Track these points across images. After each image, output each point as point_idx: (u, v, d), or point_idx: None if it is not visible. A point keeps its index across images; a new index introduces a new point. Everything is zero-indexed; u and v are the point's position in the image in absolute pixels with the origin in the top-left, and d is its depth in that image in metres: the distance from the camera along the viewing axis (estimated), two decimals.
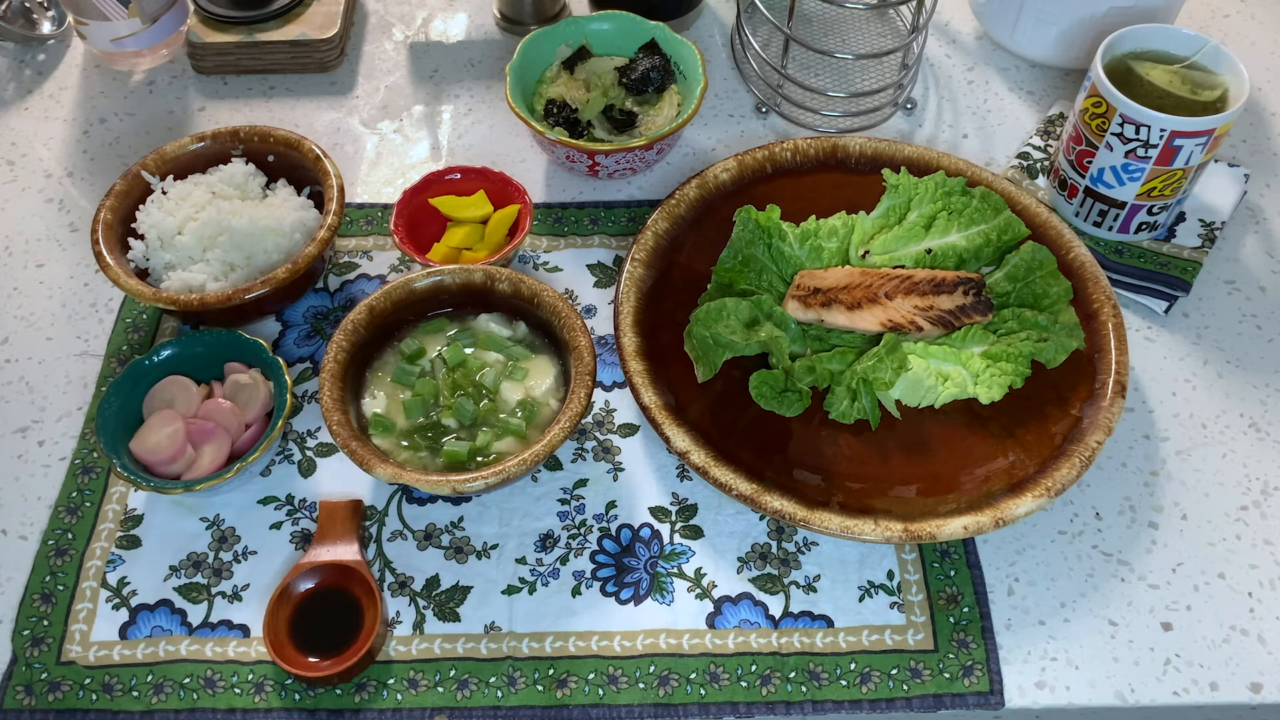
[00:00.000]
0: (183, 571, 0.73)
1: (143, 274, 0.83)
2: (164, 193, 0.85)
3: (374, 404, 0.74)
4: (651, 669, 0.69)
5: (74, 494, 0.76)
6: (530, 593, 0.72)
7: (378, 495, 0.76)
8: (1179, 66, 0.85)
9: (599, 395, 0.82)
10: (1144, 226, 0.88)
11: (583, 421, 0.79)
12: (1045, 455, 0.74)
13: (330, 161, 0.85)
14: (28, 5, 1.08)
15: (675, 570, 0.73)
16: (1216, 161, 0.94)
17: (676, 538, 0.75)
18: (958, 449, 0.76)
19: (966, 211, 0.83)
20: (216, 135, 0.88)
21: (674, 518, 0.76)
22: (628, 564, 0.74)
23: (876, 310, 0.78)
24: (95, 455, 0.78)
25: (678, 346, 0.80)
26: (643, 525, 0.75)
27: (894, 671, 0.69)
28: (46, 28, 1.08)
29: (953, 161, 0.89)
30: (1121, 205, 0.86)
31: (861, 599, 0.72)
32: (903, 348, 0.77)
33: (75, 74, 1.05)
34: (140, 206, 0.84)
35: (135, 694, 0.68)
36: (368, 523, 0.75)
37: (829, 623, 0.71)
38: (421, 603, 0.72)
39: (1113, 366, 0.77)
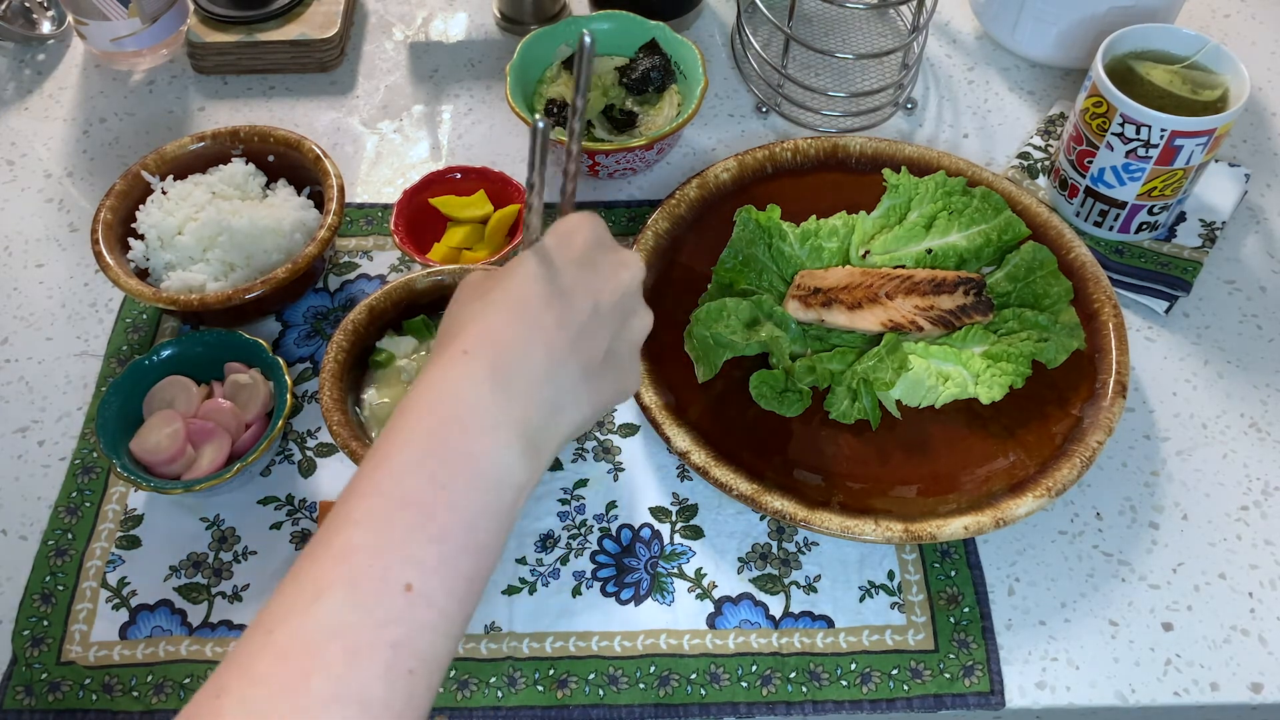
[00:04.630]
0: (183, 571, 0.73)
1: (143, 274, 0.83)
2: (164, 193, 0.85)
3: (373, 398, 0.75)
4: (652, 669, 0.69)
5: (74, 494, 0.76)
6: (530, 593, 0.72)
7: None
8: (1180, 66, 0.85)
9: None
10: (1144, 226, 0.88)
11: None
12: (1046, 455, 0.74)
13: (330, 161, 0.85)
14: (27, 5, 1.08)
15: (675, 570, 0.73)
16: (1217, 161, 0.94)
17: (677, 538, 0.75)
18: (958, 449, 0.76)
19: (967, 211, 0.83)
20: (216, 135, 0.88)
21: (674, 518, 0.76)
22: (628, 564, 0.73)
23: (877, 310, 0.78)
24: (95, 455, 0.78)
25: (678, 346, 0.80)
26: (643, 525, 0.75)
27: (894, 672, 0.69)
28: (46, 27, 1.08)
29: (953, 161, 0.88)
30: (1122, 205, 0.86)
31: (862, 599, 0.72)
32: (903, 348, 0.77)
33: (75, 74, 1.05)
34: (140, 206, 0.84)
35: (135, 694, 0.68)
36: None
37: (829, 623, 0.71)
38: None
39: (1113, 366, 0.77)
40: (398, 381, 0.75)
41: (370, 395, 0.75)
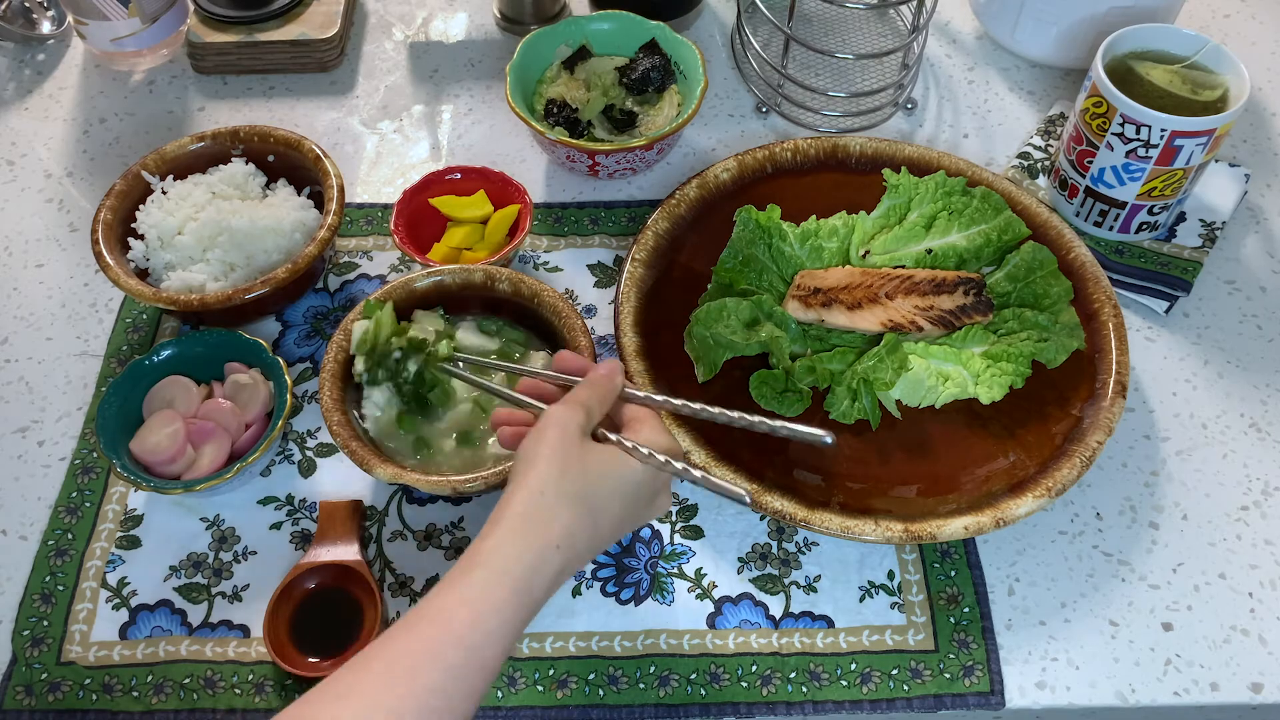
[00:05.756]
0: (183, 572, 0.73)
1: (143, 274, 0.83)
2: (164, 193, 0.85)
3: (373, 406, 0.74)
4: (652, 669, 0.69)
5: (74, 494, 0.76)
6: None
7: (378, 495, 0.76)
8: (1179, 66, 0.85)
9: None
10: (1144, 226, 0.88)
11: None
12: (1046, 455, 0.74)
13: (330, 161, 0.85)
14: (27, 5, 1.08)
15: (675, 570, 0.73)
16: (1217, 161, 0.94)
17: (677, 538, 0.75)
18: (958, 449, 0.76)
19: (967, 211, 0.83)
20: (216, 135, 0.88)
21: (674, 518, 0.76)
22: (628, 564, 0.73)
23: (877, 310, 0.78)
24: (95, 455, 0.78)
25: (678, 346, 0.80)
26: (643, 525, 0.75)
27: (894, 672, 0.69)
28: (46, 28, 1.08)
29: (953, 161, 0.88)
30: (1122, 205, 0.86)
31: (862, 599, 0.72)
32: (903, 348, 0.77)
33: (75, 74, 1.05)
34: (140, 206, 0.84)
35: (135, 694, 0.68)
36: (368, 523, 0.75)
37: (829, 623, 0.71)
38: None
39: (1113, 366, 0.77)
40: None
41: (369, 408, 0.75)
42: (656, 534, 0.75)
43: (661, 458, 0.59)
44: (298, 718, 0.48)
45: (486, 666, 0.51)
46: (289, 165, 0.88)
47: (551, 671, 0.69)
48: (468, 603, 0.52)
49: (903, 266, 0.82)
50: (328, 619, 0.69)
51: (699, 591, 0.72)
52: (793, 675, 0.69)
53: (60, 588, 0.72)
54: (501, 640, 0.52)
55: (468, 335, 0.78)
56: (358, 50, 1.07)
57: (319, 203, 0.87)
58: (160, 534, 0.75)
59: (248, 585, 0.72)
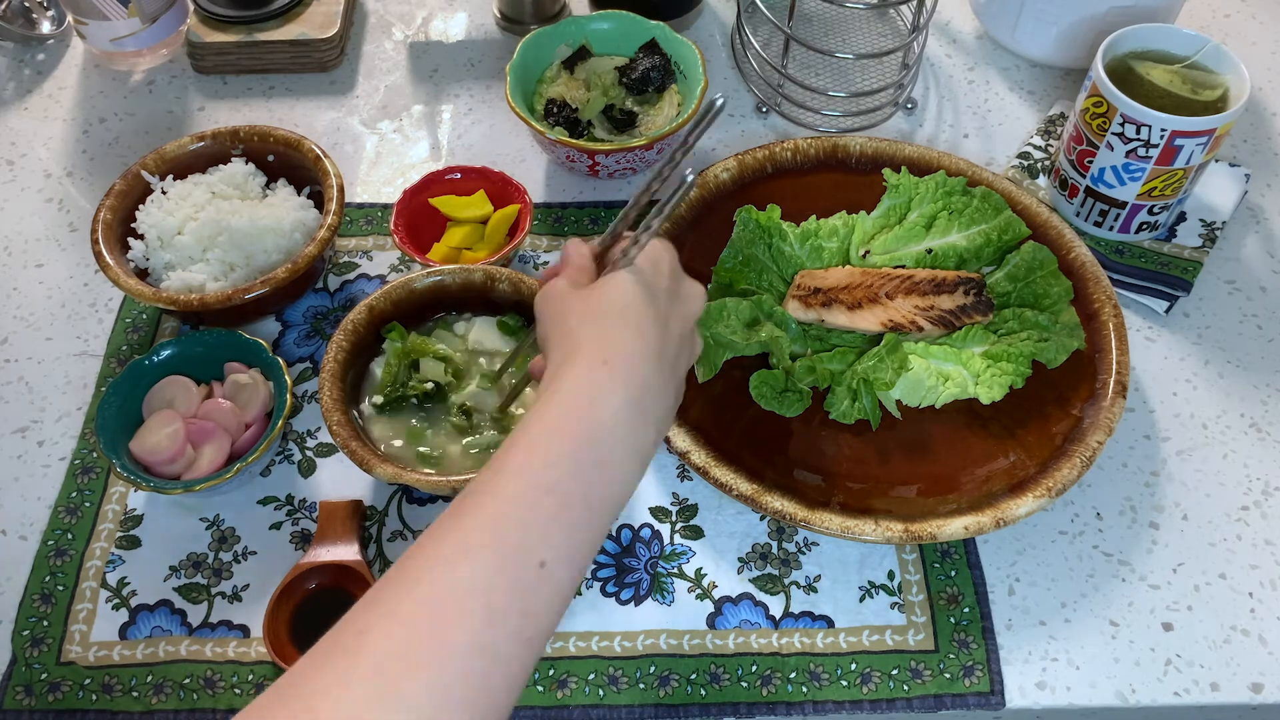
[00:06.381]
0: (182, 572, 0.73)
1: (142, 274, 0.83)
2: (164, 192, 0.85)
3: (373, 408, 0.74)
4: (652, 669, 0.69)
5: (74, 494, 0.76)
6: None
7: (378, 495, 0.76)
8: (1180, 66, 0.85)
9: None
10: (1145, 226, 0.88)
11: None
12: (1046, 455, 0.74)
13: (330, 161, 0.85)
14: (27, 5, 1.08)
15: (675, 570, 0.73)
16: (1217, 161, 0.94)
17: (677, 538, 0.75)
18: (958, 449, 0.76)
19: (967, 211, 0.83)
20: (216, 135, 0.88)
21: (674, 518, 0.76)
22: (628, 564, 0.73)
23: (877, 310, 0.78)
24: (95, 455, 0.78)
25: None
26: (643, 525, 0.75)
27: (894, 672, 0.69)
28: (46, 27, 1.08)
29: (953, 161, 0.88)
30: (1122, 205, 0.86)
31: (862, 599, 0.72)
32: (903, 348, 0.77)
33: (75, 74, 1.05)
34: (140, 206, 0.84)
35: (135, 694, 0.68)
36: (368, 523, 0.75)
37: (829, 623, 0.71)
38: None
39: (1113, 366, 0.77)
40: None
41: (367, 408, 0.75)
42: (656, 534, 0.75)
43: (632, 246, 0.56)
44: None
45: (553, 489, 0.47)
46: (289, 165, 0.88)
47: (551, 671, 0.69)
48: (524, 446, 0.48)
49: (903, 266, 0.82)
50: (328, 619, 0.68)
51: (699, 591, 0.72)
52: (793, 675, 0.69)
53: (60, 588, 0.72)
54: (565, 466, 0.48)
55: (485, 334, 0.78)
56: (357, 50, 1.07)
57: (319, 203, 0.87)
58: (160, 534, 0.75)
59: (248, 585, 0.72)
